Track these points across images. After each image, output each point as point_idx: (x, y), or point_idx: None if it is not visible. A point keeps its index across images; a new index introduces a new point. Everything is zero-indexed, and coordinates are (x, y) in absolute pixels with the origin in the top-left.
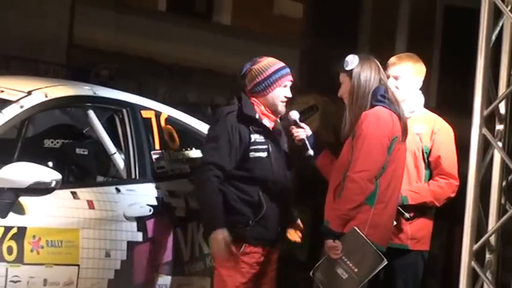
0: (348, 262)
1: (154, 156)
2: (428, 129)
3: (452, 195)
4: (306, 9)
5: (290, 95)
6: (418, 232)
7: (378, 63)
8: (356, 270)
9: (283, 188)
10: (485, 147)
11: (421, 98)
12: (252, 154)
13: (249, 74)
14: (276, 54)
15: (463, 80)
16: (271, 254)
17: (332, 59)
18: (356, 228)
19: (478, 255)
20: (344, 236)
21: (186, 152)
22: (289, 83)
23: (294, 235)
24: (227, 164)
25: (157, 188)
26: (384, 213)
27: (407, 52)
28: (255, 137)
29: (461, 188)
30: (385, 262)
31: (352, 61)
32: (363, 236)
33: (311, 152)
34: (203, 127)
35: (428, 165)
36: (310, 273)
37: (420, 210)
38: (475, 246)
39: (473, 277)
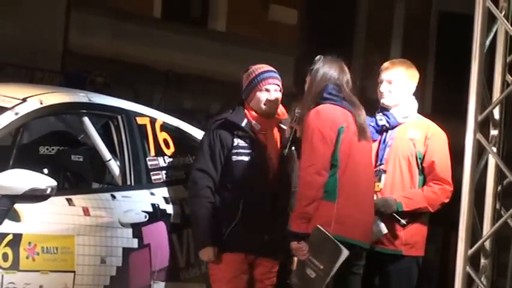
0: (315, 261)
1: (149, 163)
2: (422, 135)
3: (446, 200)
4: (300, 16)
5: (272, 98)
6: (411, 238)
7: (343, 64)
8: (322, 267)
9: (269, 194)
10: (480, 152)
11: (414, 104)
12: (234, 158)
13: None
14: (271, 61)
15: (458, 85)
16: (264, 262)
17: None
18: (319, 226)
19: (473, 260)
20: (309, 236)
21: (181, 158)
22: (272, 87)
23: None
24: (210, 169)
25: (152, 194)
26: (349, 207)
27: (401, 58)
28: (238, 142)
29: (456, 193)
30: (346, 253)
31: (315, 60)
32: (325, 232)
33: (285, 151)
34: (198, 133)
35: (422, 170)
36: (287, 281)
37: (414, 216)
38: (470, 251)
39: (468, 282)
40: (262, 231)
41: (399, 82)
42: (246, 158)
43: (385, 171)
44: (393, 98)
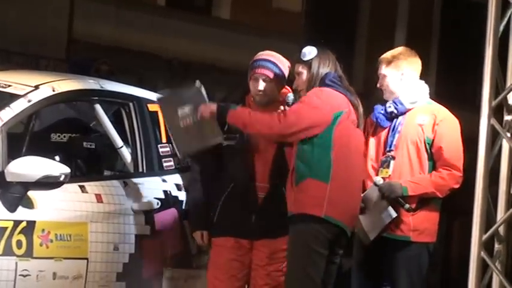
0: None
1: (161, 150)
2: (431, 120)
3: (456, 186)
4: (305, 3)
5: (260, 88)
6: (421, 224)
7: (334, 55)
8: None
9: (254, 177)
10: (494, 137)
11: (423, 89)
12: (225, 142)
13: None
14: (275, 48)
15: (461, 73)
16: (259, 247)
17: (332, 52)
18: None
19: (487, 246)
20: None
21: None
22: (258, 76)
23: None
24: (206, 154)
25: (164, 181)
26: (340, 189)
27: (405, 44)
28: (230, 127)
29: (468, 179)
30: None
31: (310, 52)
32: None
33: None
34: None
35: (431, 156)
36: None
37: (423, 201)
38: (484, 237)
39: (483, 267)
40: (249, 213)
41: (393, 75)
42: (232, 143)
43: (393, 158)
44: (389, 92)
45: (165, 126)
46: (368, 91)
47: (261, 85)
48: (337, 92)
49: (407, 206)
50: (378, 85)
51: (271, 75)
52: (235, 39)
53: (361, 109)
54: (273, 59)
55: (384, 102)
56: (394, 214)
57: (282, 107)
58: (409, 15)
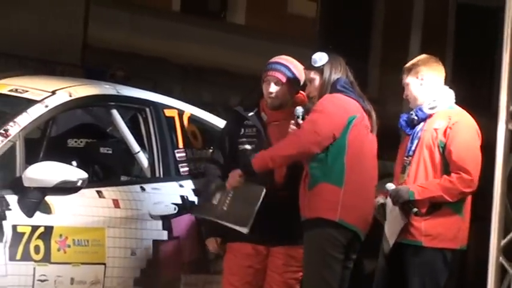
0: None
1: (177, 155)
2: (445, 124)
3: (466, 190)
4: (319, 8)
5: (271, 91)
6: (433, 229)
7: (344, 61)
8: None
9: (272, 182)
10: (511, 142)
11: (445, 94)
12: (240, 147)
13: None
14: (290, 54)
15: (477, 78)
16: (276, 254)
17: (346, 58)
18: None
19: (506, 251)
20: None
21: (209, 150)
22: (270, 78)
23: None
24: (220, 158)
25: (181, 186)
26: (354, 194)
27: (420, 50)
28: (246, 131)
29: (485, 184)
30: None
31: (321, 58)
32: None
33: None
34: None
35: (445, 160)
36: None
37: (435, 206)
38: (503, 242)
39: (502, 272)
40: (265, 220)
41: (414, 83)
42: (249, 147)
43: (410, 163)
44: (413, 99)
45: (181, 131)
46: (383, 96)
47: (273, 88)
48: (349, 98)
49: (414, 209)
50: (404, 96)
51: (284, 79)
52: (249, 45)
53: (374, 115)
54: (286, 62)
55: (402, 108)
56: (404, 220)
57: (292, 122)
58: (424, 20)
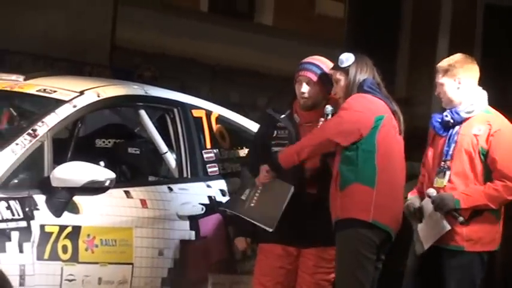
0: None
1: (205, 155)
2: (486, 130)
3: (511, 198)
4: (347, 9)
5: (303, 91)
6: (475, 233)
7: (371, 61)
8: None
9: (305, 183)
10: None
11: (481, 97)
12: (273, 148)
13: None
14: (318, 54)
15: (505, 78)
16: (307, 255)
17: (374, 58)
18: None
19: None
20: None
21: (237, 150)
22: (302, 79)
23: None
24: (254, 161)
25: (209, 186)
26: (386, 194)
27: (448, 50)
28: (278, 133)
29: None
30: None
31: (347, 59)
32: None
33: None
34: (252, 126)
35: (486, 166)
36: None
37: (477, 211)
38: None
39: None
40: (296, 221)
41: (450, 84)
42: (278, 149)
43: (449, 168)
44: (447, 100)
45: (209, 132)
46: (411, 97)
47: (305, 88)
48: (376, 98)
49: (461, 219)
50: (436, 93)
51: (315, 78)
52: (277, 45)
53: (401, 116)
54: (318, 62)
55: (430, 109)
56: (447, 227)
57: (321, 120)
58: (452, 21)
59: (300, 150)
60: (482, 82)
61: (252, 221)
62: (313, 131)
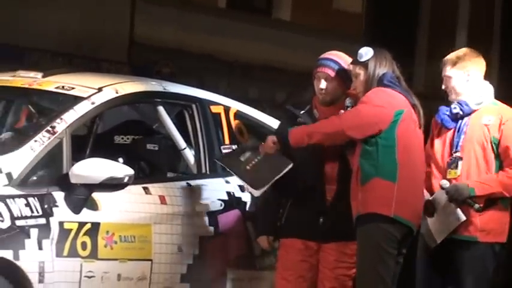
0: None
1: (224, 151)
2: (497, 120)
3: None
4: (365, 4)
5: (321, 87)
6: (487, 224)
7: (390, 55)
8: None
9: (322, 178)
10: None
11: (488, 89)
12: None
13: None
14: (336, 49)
15: None
16: (327, 250)
17: (392, 53)
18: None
19: None
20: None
21: None
22: (320, 75)
23: None
24: None
25: (227, 182)
26: (408, 189)
27: (466, 44)
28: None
29: None
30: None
31: (366, 53)
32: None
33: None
34: (271, 121)
35: (498, 156)
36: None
37: (490, 201)
38: None
39: None
40: (316, 215)
41: (459, 77)
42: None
43: (461, 158)
44: (455, 93)
45: (228, 128)
46: (429, 92)
47: (323, 84)
48: (396, 92)
49: (477, 206)
50: (443, 87)
51: (333, 74)
52: (295, 41)
53: (421, 110)
54: (335, 57)
55: (447, 103)
56: (463, 218)
57: (341, 112)
58: (470, 16)
59: (311, 133)
60: (501, 77)
61: (241, 180)
62: (331, 118)
